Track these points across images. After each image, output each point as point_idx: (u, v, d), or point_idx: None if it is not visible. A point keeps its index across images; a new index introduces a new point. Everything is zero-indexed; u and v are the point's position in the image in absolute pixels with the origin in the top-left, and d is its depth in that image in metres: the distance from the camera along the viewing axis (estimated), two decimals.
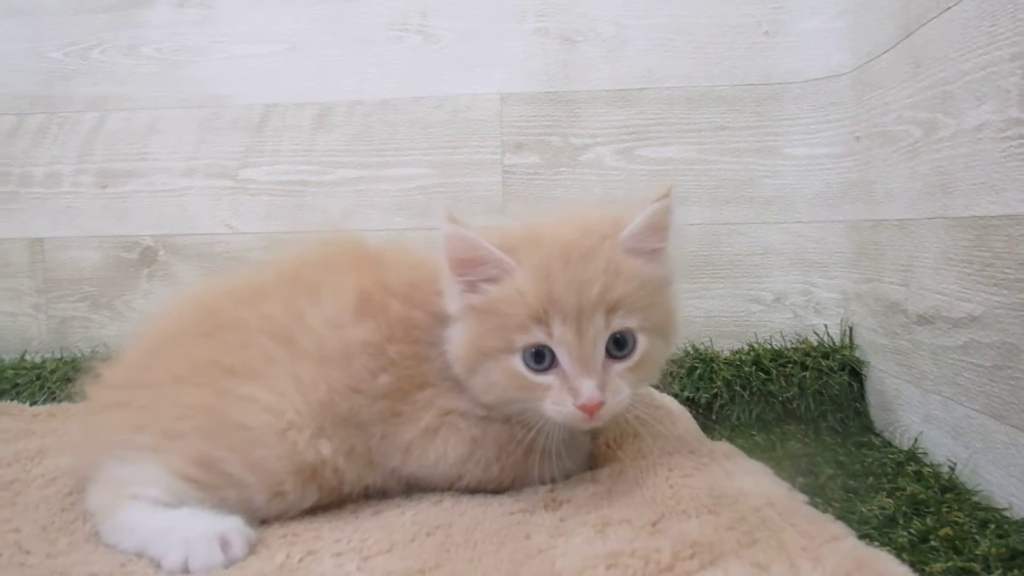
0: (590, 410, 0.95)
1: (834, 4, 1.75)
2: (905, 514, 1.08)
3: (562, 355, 0.96)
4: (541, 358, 0.97)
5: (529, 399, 0.99)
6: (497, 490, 1.08)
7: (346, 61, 1.93)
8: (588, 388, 0.95)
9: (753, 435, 1.52)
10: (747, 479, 0.98)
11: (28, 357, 1.99)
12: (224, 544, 0.90)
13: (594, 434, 1.17)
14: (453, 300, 1.03)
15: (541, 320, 0.96)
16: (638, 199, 1.02)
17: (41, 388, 1.84)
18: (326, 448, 1.01)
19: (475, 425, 1.05)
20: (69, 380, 1.79)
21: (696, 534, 0.84)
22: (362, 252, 1.15)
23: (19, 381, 1.86)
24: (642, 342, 0.99)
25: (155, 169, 1.98)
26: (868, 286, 1.60)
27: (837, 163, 1.74)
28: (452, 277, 1.01)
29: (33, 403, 1.78)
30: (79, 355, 1.94)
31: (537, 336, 0.96)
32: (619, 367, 0.98)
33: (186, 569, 0.88)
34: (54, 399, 1.80)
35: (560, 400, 0.96)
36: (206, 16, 1.97)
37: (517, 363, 0.98)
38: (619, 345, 0.98)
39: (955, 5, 1.21)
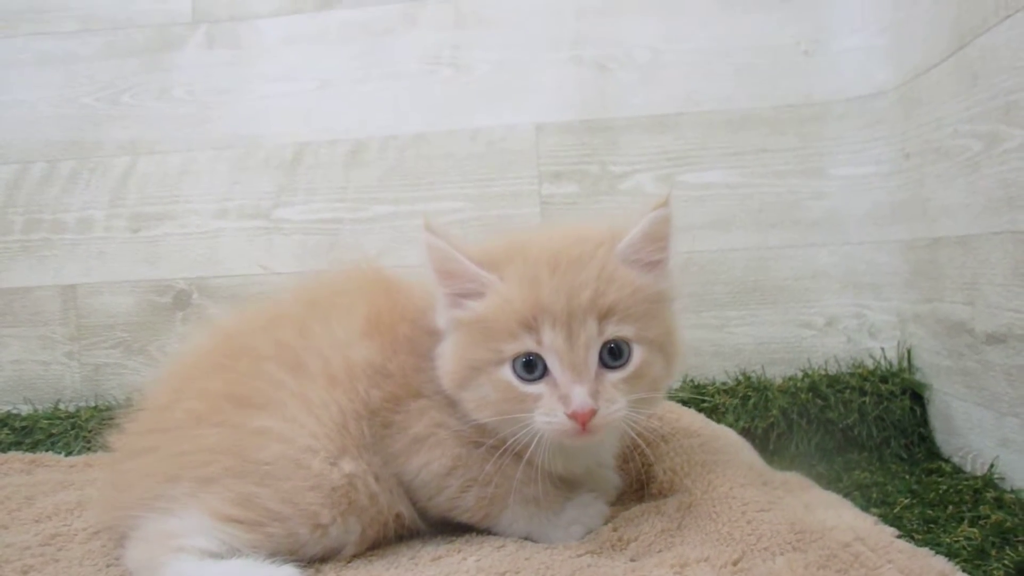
0: (581, 419, 0.90)
1: (875, 21, 1.71)
2: (995, 544, 1.02)
3: (552, 362, 0.92)
4: (532, 367, 0.93)
5: (520, 411, 0.94)
6: (468, 521, 1.05)
7: (378, 96, 1.91)
8: (579, 395, 0.90)
9: (814, 465, 1.46)
10: (828, 512, 0.94)
11: (62, 406, 1.96)
12: None
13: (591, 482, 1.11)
14: (442, 313, 1.00)
15: (530, 327, 0.92)
16: (637, 210, 0.99)
17: (76, 438, 1.81)
18: (348, 466, 0.98)
19: (462, 444, 1.01)
20: (104, 429, 1.77)
21: (786, 573, 0.78)
22: (380, 278, 1.14)
23: (54, 431, 1.83)
24: (638, 352, 0.95)
25: (187, 211, 1.96)
26: (927, 306, 1.54)
27: (886, 182, 1.70)
28: (439, 288, 0.99)
29: (68, 453, 1.74)
30: (113, 403, 1.90)
31: (526, 344, 0.93)
32: (614, 377, 0.94)
33: None
34: (90, 449, 1.75)
35: (551, 410, 0.92)
36: (236, 56, 1.96)
37: (507, 373, 0.94)
38: (614, 355, 0.94)
39: (1016, 12, 1.16)
